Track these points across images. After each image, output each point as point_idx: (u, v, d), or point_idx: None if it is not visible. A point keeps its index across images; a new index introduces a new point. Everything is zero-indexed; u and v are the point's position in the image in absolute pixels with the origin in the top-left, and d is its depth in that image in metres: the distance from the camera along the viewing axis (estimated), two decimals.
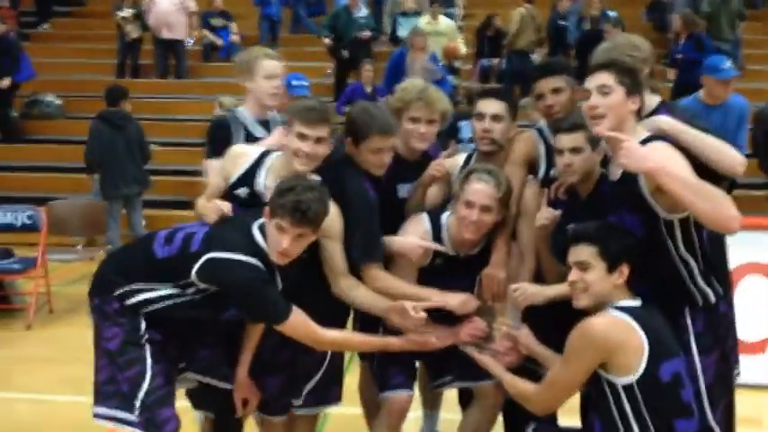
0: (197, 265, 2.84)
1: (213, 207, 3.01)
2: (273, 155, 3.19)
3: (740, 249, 5.08)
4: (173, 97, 11.45)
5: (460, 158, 3.56)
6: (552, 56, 10.64)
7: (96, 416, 2.93)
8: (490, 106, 3.39)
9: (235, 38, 12.29)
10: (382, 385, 3.36)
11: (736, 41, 11.29)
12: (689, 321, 2.85)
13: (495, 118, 3.37)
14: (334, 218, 3.11)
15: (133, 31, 11.56)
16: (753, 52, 11.79)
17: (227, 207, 3.02)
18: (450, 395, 3.81)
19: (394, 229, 3.31)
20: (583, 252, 2.78)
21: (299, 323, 2.89)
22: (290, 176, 2.99)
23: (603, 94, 2.84)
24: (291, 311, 2.87)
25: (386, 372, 3.35)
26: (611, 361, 2.68)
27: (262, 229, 2.90)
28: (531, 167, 3.41)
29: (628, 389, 2.67)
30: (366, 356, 3.44)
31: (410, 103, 3.36)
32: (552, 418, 3.32)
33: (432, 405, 3.84)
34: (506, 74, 10.98)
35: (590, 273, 2.76)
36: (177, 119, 10.81)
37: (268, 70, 3.60)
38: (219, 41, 12.31)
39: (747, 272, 5.16)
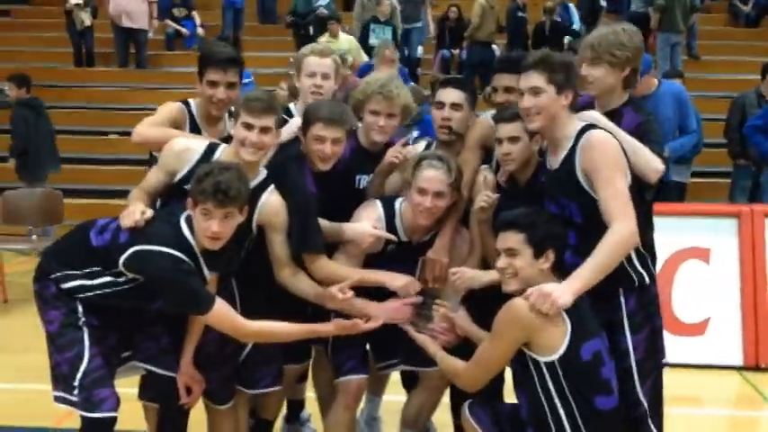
0: (124, 256, 2.92)
1: (131, 216, 3.00)
2: (221, 147, 3.25)
3: (681, 234, 5.28)
4: (132, 86, 11.39)
5: (420, 146, 3.61)
6: (510, 46, 10.76)
7: (54, 399, 3.02)
8: (450, 95, 3.44)
9: (200, 29, 12.25)
10: (336, 371, 3.43)
11: (692, 32, 11.50)
12: (622, 301, 2.97)
13: (455, 106, 3.43)
14: (278, 210, 3.18)
15: (85, 19, 11.44)
16: (708, 43, 12.01)
17: (141, 219, 3.00)
18: (395, 377, 3.90)
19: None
20: (510, 239, 2.88)
21: (222, 314, 2.97)
22: (206, 164, 3.04)
23: (535, 94, 2.94)
24: (215, 303, 2.94)
25: (339, 358, 3.42)
26: (534, 340, 2.79)
27: (189, 221, 2.96)
28: (487, 153, 3.46)
29: (550, 366, 2.79)
30: (320, 342, 3.50)
31: (371, 96, 3.43)
32: (498, 395, 3.41)
33: (375, 391, 3.90)
34: (467, 64, 11.08)
35: (518, 259, 2.86)
36: (136, 108, 10.78)
37: (311, 67, 3.64)
38: (184, 30, 12.25)
39: (688, 256, 5.31)
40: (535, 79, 2.94)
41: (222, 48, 3.60)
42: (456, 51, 11.54)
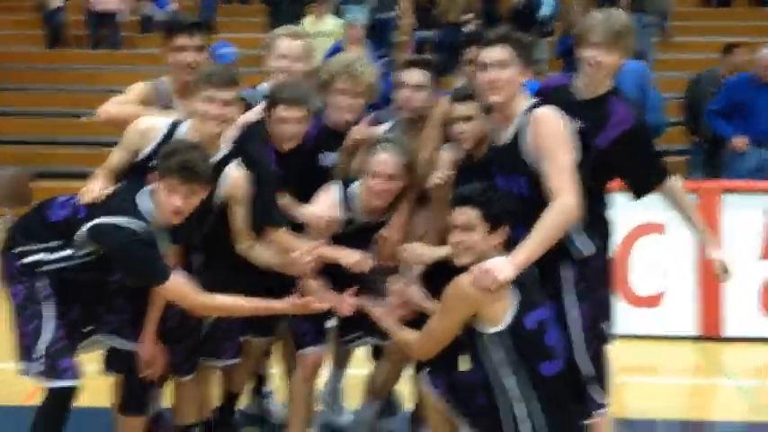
0: (83, 230, 3.02)
1: (90, 192, 3.12)
2: (184, 123, 3.33)
3: (637, 210, 5.38)
4: (105, 68, 11.35)
5: (386, 126, 3.69)
6: (484, 27, 10.81)
7: (19, 372, 3.12)
8: (413, 76, 3.53)
9: (174, 7, 12.17)
10: (296, 343, 3.56)
11: (663, 13, 11.60)
12: (564, 273, 3.08)
13: (417, 87, 3.51)
14: (241, 183, 3.29)
15: (55, 0, 11.38)
16: (680, 24, 12.11)
17: (100, 194, 3.12)
18: (359, 353, 4.01)
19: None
20: (465, 214, 2.96)
21: (179, 287, 3.07)
22: (171, 141, 3.15)
23: (500, 67, 3.02)
24: (172, 275, 3.04)
25: (298, 330, 3.55)
26: (481, 313, 2.91)
27: (147, 195, 3.07)
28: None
29: (496, 337, 2.91)
30: (283, 316, 3.58)
31: (336, 76, 3.52)
32: (455, 363, 3.48)
33: (339, 363, 4.02)
34: (440, 45, 11.12)
35: (472, 234, 2.95)
36: (109, 89, 10.73)
37: (281, 50, 3.68)
38: (158, 14, 12.17)
39: (643, 231, 5.45)
40: (501, 53, 3.02)
41: (186, 15, 3.68)
42: (430, 33, 11.58)
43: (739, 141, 6.83)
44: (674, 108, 8.17)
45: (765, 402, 4.64)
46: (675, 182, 3.30)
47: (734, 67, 7.54)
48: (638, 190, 3.33)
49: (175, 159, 2.99)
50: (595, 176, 3.13)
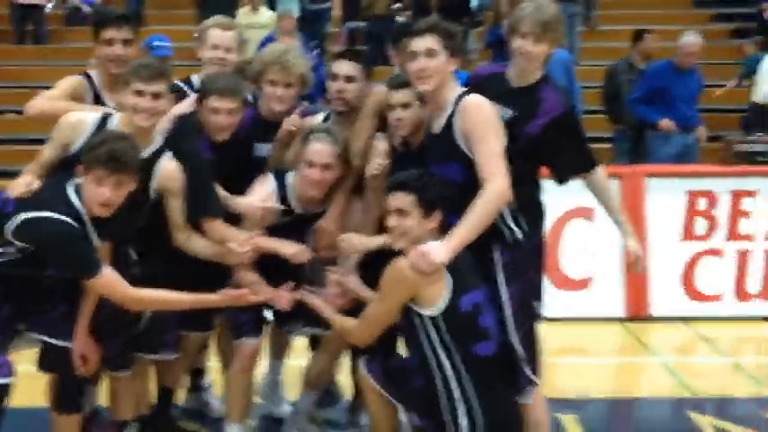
0: (11, 225, 2.99)
1: (18, 186, 3.11)
2: (115, 117, 3.31)
3: (568, 196, 5.54)
4: (30, 64, 11.05)
5: (319, 117, 3.73)
6: (415, 18, 10.90)
7: None
8: (343, 68, 3.57)
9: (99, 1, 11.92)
10: (234, 334, 3.58)
11: (589, 3, 11.88)
12: (496, 256, 3.18)
13: (348, 79, 3.56)
14: (175, 176, 3.29)
15: None
16: (606, 13, 12.41)
17: (28, 189, 3.10)
18: (297, 342, 4.05)
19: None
20: (400, 200, 3.03)
21: (110, 281, 3.06)
22: (100, 132, 3.14)
23: (430, 56, 3.10)
24: (102, 269, 3.03)
25: (235, 320, 3.57)
26: (418, 295, 2.99)
27: (76, 188, 3.05)
28: (383, 122, 3.54)
29: (432, 319, 2.99)
30: (220, 308, 3.60)
31: (268, 66, 3.54)
32: (391, 350, 3.54)
33: (277, 354, 4.05)
34: (370, 36, 11.17)
35: (407, 219, 3.03)
36: (35, 86, 10.45)
37: (213, 40, 3.69)
38: (85, 8, 11.89)
39: (574, 216, 5.63)
40: (430, 42, 3.09)
41: (113, 8, 3.66)
42: (361, 24, 11.61)
43: (666, 123, 7.07)
44: (601, 96, 8.39)
45: (689, 378, 4.83)
46: (599, 170, 3.42)
47: (645, 53, 7.77)
48: (562, 176, 3.43)
49: (102, 150, 2.97)
50: (527, 162, 3.23)
